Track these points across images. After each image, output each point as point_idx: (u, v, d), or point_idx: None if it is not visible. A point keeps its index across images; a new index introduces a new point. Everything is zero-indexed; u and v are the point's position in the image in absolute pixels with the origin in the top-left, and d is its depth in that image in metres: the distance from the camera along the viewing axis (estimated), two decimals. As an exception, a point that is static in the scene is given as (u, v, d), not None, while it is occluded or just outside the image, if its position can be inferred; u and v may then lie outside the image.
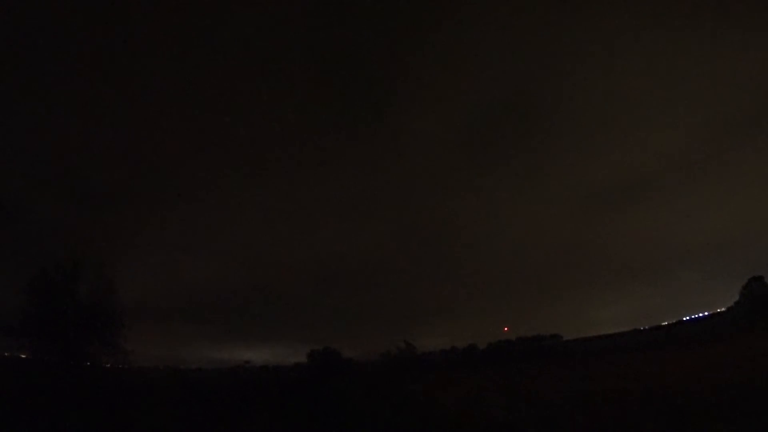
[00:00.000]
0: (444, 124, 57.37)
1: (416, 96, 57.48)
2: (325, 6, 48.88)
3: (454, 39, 52.50)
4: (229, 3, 48.62)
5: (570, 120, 55.80)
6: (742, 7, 43.62)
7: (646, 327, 38.01)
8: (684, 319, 37.44)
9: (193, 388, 18.47)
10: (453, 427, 12.59)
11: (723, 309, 35.69)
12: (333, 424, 12.82)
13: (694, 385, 13.77)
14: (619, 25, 51.50)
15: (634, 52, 51.88)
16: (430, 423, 12.80)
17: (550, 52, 52.71)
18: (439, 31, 51.47)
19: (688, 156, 53.54)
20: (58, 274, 14.39)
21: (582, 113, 54.82)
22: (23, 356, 13.65)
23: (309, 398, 16.05)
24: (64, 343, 13.35)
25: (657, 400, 12.52)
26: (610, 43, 49.35)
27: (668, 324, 37.49)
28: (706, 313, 36.52)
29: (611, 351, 29.86)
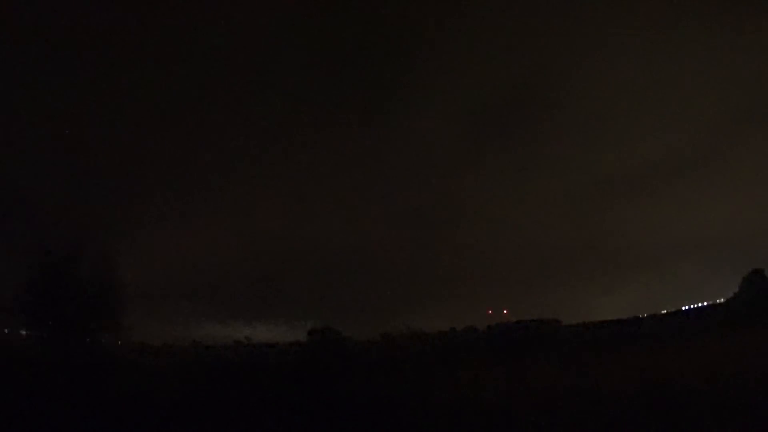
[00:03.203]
0: (447, 111, 56.69)
1: (420, 83, 56.65)
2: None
3: (459, 27, 51.45)
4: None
5: (574, 110, 55.05)
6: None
7: (645, 315, 38.18)
8: (683, 308, 37.52)
9: (192, 364, 18.57)
10: (452, 412, 12.65)
11: (722, 300, 35.72)
12: (331, 404, 12.89)
13: (693, 378, 13.79)
14: (627, 16, 50.40)
15: (640, 43, 50.88)
16: (428, 408, 12.85)
17: (554, 42, 51.75)
18: (444, 19, 50.40)
19: (692, 148, 52.92)
20: (60, 251, 14.31)
21: (586, 104, 54.03)
22: (23, 333, 13.70)
23: (309, 377, 16.12)
24: (64, 320, 13.35)
25: (655, 392, 12.55)
26: (616, 34, 48.35)
27: (667, 313, 37.61)
28: (705, 304, 36.55)
29: (610, 338, 30.06)
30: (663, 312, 38.65)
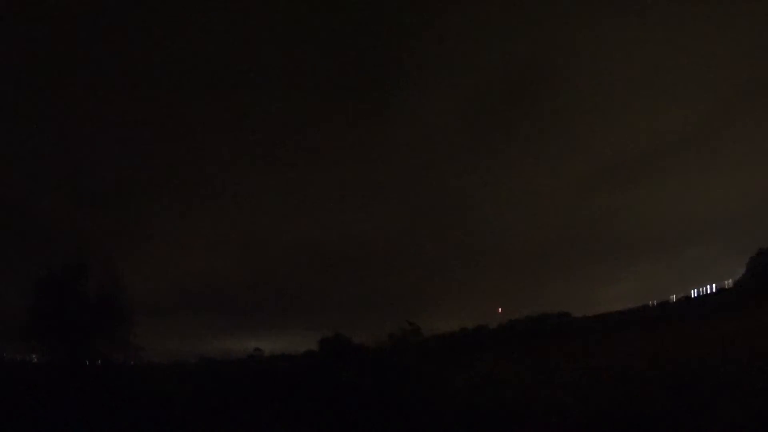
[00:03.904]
0: (449, 102, 56.73)
1: (421, 72, 56.79)
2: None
3: (459, 14, 51.48)
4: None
5: (575, 96, 55.07)
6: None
7: (655, 302, 37.98)
8: (692, 293, 37.30)
9: (203, 381, 18.59)
10: (466, 409, 12.61)
11: (730, 282, 35.59)
12: (345, 409, 12.88)
13: (704, 361, 13.76)
14: (626, 3, 50.60)
15: (640, 28, 51.01)
16: (443, 405, 12.82)
17: (556, 28, 51.93)
18: (444, 6, 50.45)
19: (694, 130, 52.86)
20: (65, 272, 14.25)
21: (587, 90, 54.04)
22: (34, 359, 13.64)
23: (322, 386, 16.12)
24: (74, 343, 13.28)
25: (667, 377, 12.53)
26: (616, 19, 48.50)
27: (676, 299, 37.43)
28: (713, 286, 36.35)
29: (621, 327, 29.93)
30: (672, 298, 38.51)
